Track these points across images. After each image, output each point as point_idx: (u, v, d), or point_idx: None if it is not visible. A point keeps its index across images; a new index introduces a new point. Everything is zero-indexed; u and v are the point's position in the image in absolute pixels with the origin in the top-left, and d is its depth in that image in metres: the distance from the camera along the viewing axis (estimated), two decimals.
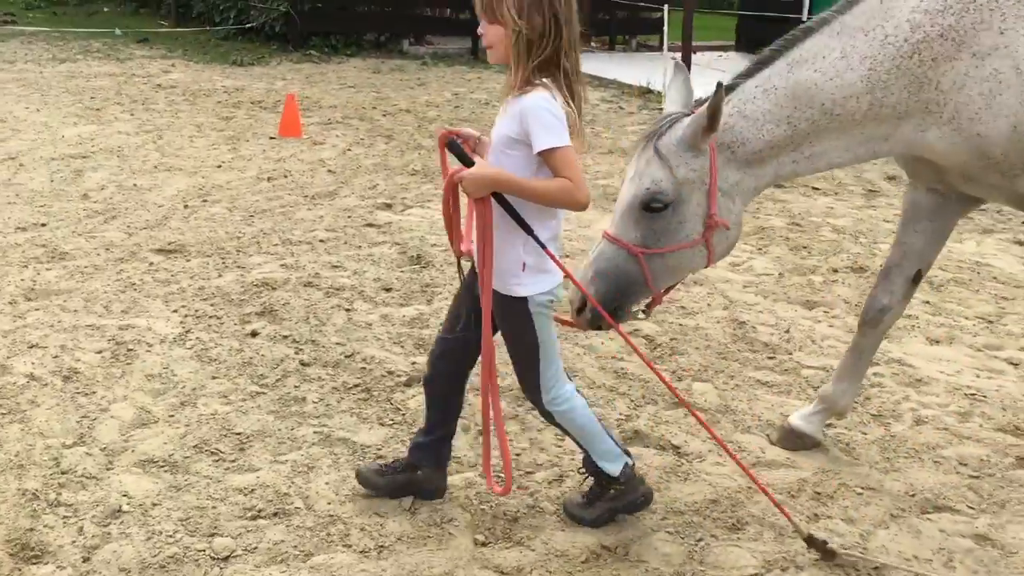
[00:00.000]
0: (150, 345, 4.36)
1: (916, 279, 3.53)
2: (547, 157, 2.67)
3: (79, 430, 3.63)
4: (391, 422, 3.80)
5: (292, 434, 3.66)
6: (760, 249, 6.14)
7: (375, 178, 7.50)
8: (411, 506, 3.23)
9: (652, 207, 2.96)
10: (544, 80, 2.69)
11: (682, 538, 3.12)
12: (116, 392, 3.93)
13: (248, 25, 15.27)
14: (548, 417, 3.08)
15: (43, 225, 6.02)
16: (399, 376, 4.16)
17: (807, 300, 5.28)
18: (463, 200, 2.86)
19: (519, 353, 2.98)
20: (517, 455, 3.58)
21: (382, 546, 3.02)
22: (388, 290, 5.17)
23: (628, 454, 3.15)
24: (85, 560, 2.90)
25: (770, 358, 4.52)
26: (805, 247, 6.18)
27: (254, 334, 4.52)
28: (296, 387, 4.04)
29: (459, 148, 2.86)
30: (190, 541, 3.00)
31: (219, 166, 7.73)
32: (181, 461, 3.45)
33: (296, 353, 4.35)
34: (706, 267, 3.17)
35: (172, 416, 3.75)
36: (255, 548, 2.98)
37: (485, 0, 2.70)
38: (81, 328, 4.51)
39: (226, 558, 2.91)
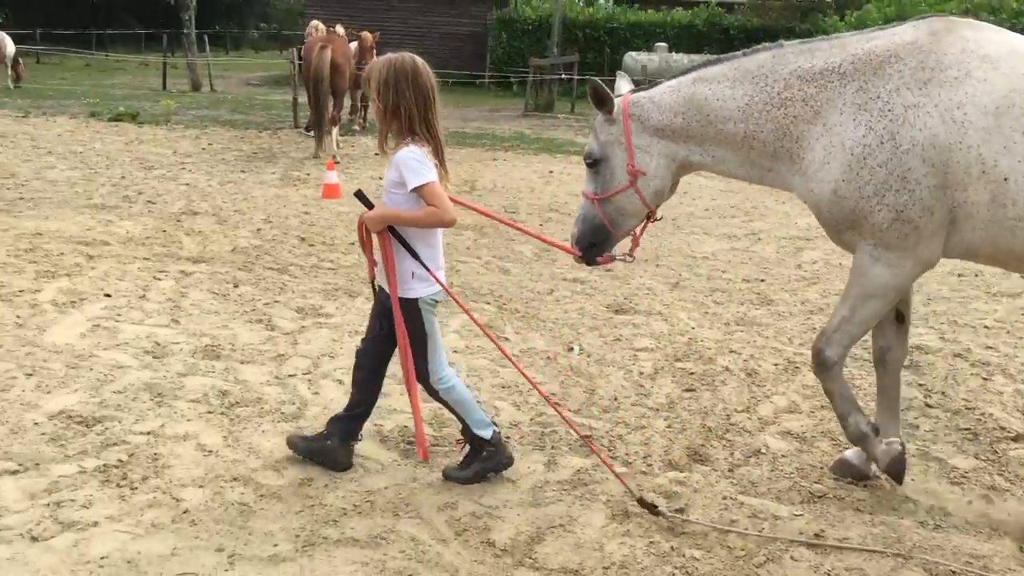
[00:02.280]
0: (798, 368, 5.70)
1: (900, 320, 4.12)
2: (419, 192, 3.63)
3: (748, 404, 5.14)
4: (984, 459, 4.52)
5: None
6: None
7: None
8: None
9: (588, 163, 4.13)
10: (410, 139, 3.68)
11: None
12: (778, 389, 5.37)
13: None
14: (434, 395, 3.96)
15: (762, 281, 7.84)
16: (1009, 432, 4.80)
17: None
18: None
19: (413, 345, 3.83)
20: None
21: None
22: None
23: (495, 424, 4.09)
24: (729, 471, 4.36)
25: None
26: None
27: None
28: (915, 418, 4.99)
29: (363, 196, 3.87)
30: (792, 484, 4.25)
31: None
32: (808, 437, 4.71)
33: (924, 397, 5.27)
34: (647, 213, 4.11)
35: (813, 411, 5.04)
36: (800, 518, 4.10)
37: (366, 81, 3.89)
38: (768, 348, 6.08)
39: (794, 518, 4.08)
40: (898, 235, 3.60)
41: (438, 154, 3.75)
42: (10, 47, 23.05)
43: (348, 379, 5.14)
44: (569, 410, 4.86)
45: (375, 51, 15.65)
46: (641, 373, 5.58)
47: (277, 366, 5.31)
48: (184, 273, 7.04)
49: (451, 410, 4.04)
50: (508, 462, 4.08)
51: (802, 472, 4.34)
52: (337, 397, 4.88)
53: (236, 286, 6.82)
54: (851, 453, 4.27)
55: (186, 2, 25.81)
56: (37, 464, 3.95)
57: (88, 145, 13.60)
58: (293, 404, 4.79)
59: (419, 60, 3.75)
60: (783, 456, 4.50)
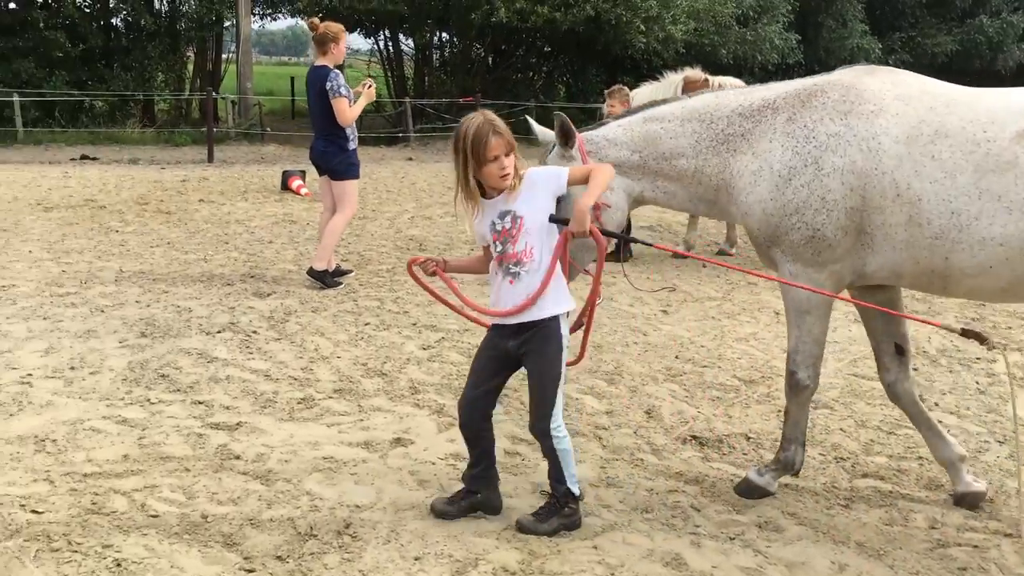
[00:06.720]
0: None
1: (900, 352, 4.19)
2: (571, 173, 3.71)
3: None
4: None
5: None
6: None
7: None
8: None
9: None
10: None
11: None
12: None
13: None
14: (544, 438, 3.78)
15: None
16: None
17: None
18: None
19: (552, 381, 3.78)
20: None
21: None
22: None
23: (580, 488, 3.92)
24: None
25: None
26: None
27: None
28: None
29: (559, 222, 3.73)
30: None
31: None
32: None
33: None
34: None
35: None
36: None
37: (511, 144, 3.65)
38: None
39: None
40: (813, 252, 3.84)
41: None
42: None
43: None
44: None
45: None
46: None
47: None
48: None
49: (551, 458, 3.82)
50: (578, 524, 3.83)
51: None
52: None
53: None
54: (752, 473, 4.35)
55: None
56: None
57: None
58: None
59: None
60: None
